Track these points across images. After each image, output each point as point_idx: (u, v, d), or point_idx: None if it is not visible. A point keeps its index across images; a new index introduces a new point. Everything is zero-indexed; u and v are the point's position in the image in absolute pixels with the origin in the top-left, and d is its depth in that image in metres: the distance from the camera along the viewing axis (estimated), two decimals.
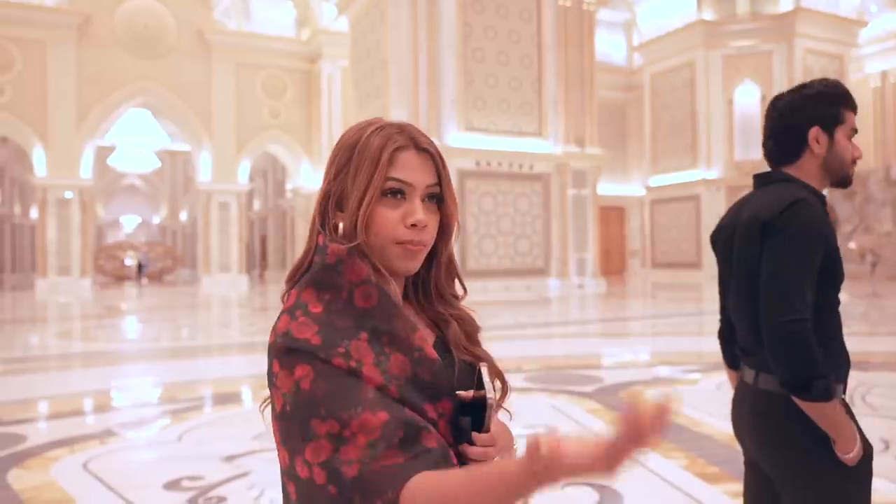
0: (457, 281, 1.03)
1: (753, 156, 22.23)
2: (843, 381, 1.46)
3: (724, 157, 22.63)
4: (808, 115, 1.48)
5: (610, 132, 26.63)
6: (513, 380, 5.84)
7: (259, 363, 7.33)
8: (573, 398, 5.17)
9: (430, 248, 0.94)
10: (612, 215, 27.03)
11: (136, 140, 32.59)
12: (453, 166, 16.87)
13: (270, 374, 0.84)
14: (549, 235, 18.28)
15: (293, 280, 0.92)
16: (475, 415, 0.87)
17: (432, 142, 0.95)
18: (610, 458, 0.66)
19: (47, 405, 5.70)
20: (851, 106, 1.51)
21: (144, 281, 34.83)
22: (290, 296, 0.88)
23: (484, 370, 0.90)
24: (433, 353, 0.87)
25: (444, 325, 0.98)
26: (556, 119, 18.34)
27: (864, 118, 25.93)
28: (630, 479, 3.31)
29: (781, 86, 21.74)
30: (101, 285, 30.17)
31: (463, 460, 0.87)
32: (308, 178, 25.66)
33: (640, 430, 0.64)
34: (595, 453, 0.66)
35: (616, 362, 7.61)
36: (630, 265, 28.41)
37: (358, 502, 0.75)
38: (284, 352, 0.82)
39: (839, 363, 1.45)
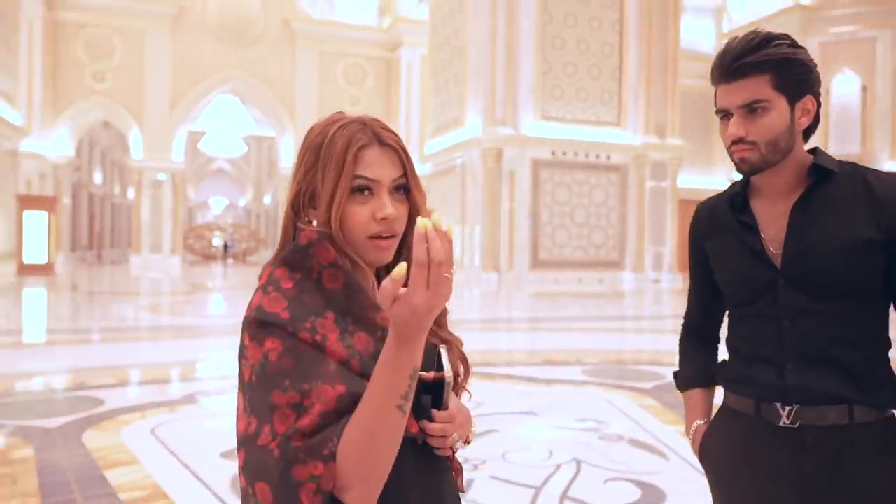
0: None
1: (850, 149, 20.94)
2: (735, 390, 1.32)
3: None
4: None
5: (694, 122, 25.67)
6: (570, 373, 5.84)
7: None
8: (630, 393, 5.08)
9: (400, 237, 0.97)
10: (694, 208, 26.08)
11: (224, 125, 34.02)
12: (528, 155, 16.77)
13: (242, 346, 0.89)
14: (624, 228, 17.89)
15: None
16: (435, 394, 0.92)
17: (396, 135, 0.98)
18: (420, 282, 0.75)
19: (129, 373, 6.10)
20: (714, 79, 1.25)
21: (229, 261, 36.41)
22: (263, 273, 0.94)
23: (444, 352, 0.93)
24: None
25: None
26: (636, 108, 17.87)
27: None
28: (675, 477, 3.24)
29: (885, 75, 20.37)
30: (189, 263, 31.75)
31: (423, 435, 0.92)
32: None
33: (428, 250, 0.74)
34: (413, 282, 0.75)
35: None
36: None
37: (302, 458, 0.80)
38: (256, 325, 0.87)
39: (726, 371, 1.37)
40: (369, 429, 0.80)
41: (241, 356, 0.89)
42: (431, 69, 20.51)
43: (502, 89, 16.70)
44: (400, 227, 0.96)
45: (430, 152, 20.16)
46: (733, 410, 1.33)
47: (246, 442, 0.85)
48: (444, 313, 1.04)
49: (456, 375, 1.02)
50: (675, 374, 1.53)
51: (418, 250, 0.74)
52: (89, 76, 22.25)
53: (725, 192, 1.37)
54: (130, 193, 31.62)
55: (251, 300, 0.91)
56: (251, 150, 40.36)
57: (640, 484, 3.15)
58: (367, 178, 0.93)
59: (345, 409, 0.82)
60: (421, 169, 24.00)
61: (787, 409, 1.23)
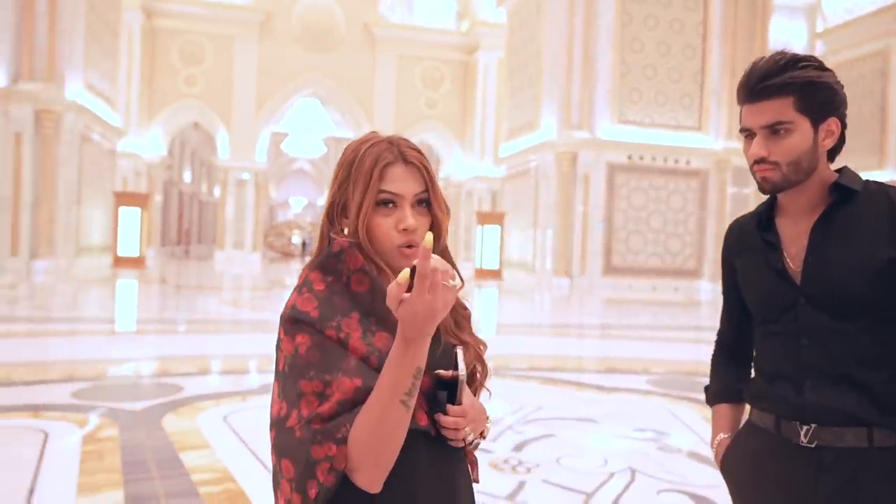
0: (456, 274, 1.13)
1: None
2: (758, 406, 1.34)
3: None
4: None
5: None
6: (635, 381, 5.77)
7: None
8: (696, 406, 4.97)
9: None
10: None
11: (305, 127, 35.10)
12: (603, 159, 16.54)
13: (278, 339, 1.01)
14: (703, 235, 17.36)
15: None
16: (450, 390, 1.00)
17: (419, 153, 1.06)
18: (422, 289, 0.83)
19: (207, 363, 6.44)
20: (740, 98, 1.27)
21: (307, 258, 37.47)
22: (301, 275, 1.05)
23: (460, 353, 1.01)
24: None
25: None
26: (718, 112, 17.32)
27: None
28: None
29: None
30: (269, 260, 32.93)
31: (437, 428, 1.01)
32: (460, 167, 26.26)
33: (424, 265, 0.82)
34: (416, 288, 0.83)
35: None
36: None
37: (319, 440, 0.91)
38: (290, 321, 0.98)
39: (751, 388, 1.38)
40: (376, 419, 0.89)
41: (277, 348, 1.00)
42: (508, 72, 20.53)
43: (578, 92, 16.54)
44: (421, 238, 1.04)
45: (505, 155, 20.17)
46: (756, 426, 1.34)
47: (277, 423, 0.96)
48: (466, 317, 1.12)
49: (474, 374, 1.10)
50: (706, 389, 1.55)
51: (421, 263, 0.83)
52: (182, 80, 23.46)
53: (755, 210, 1.39)
54: (217, 192, 33.11)
55: (288, 299, 1.01)
56: (330, 151, 41.44)
57: (694, 497, 3.10)
58: (390, 193, 1.02)
59: (360, 399, 0.92)
60: (495, 171, 24.04)
61: (806, 428, 1.23)
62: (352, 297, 1.00)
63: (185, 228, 34.81)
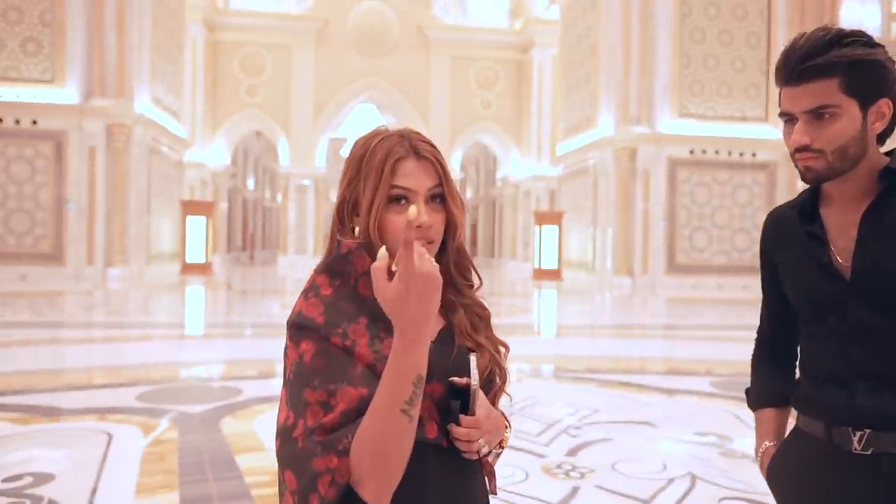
0: (474, 273, 1.10)
1: None
2: (805, 411, 1.24)
3: None
4: None
5: None
6: (698, 384, 5.57)
7: None
8: None
9: (438, 243, 1.01)
10: None
11: (363, 133, 35.65)
12: (664, 154, 16.12)
13: (285, 346, 0.98)
14: None
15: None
16: (465, 399, 0.94)
17: (432, 147, 1.02)
18: (402, 270, 0.82)
19: (267, 366, 6.57)
20: (778, 80, 1.16)
21: None
22: (309, 279, 1.02)
23: (473, 360, 0.96)
24: None
25: (452, 312, 1.04)
26: None
27: None
28: None
29: None
30: None
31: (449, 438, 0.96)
32: (517, 167, 26.09)
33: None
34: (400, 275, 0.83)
35: None
36: None
37: (320, 451, 0.87)
38: (294, 328, 0.95)
39: (797, 392, 1.28)
40: (377, 429, 0.85)
41: (284, 355, 0.97)
42: (563, 69, 20.27)
43: (636, 86, 16.17)
44: (436, 235, 1.00)
45: (562, 153, 19.91)
46: (804, 433, 1.24)
47: (283, 432, 0.93)
48: (483, 318, 1.06)
49: (492, 380, 1.04)
50: (746, 392, 1.44)
51: (407, 234, 0.82)
52: (244, 91, 24.14)
53: (795, 200, 1.28)
54: (279, 198, 33.92)
55: (295, 304, 0.98)
56: None
57: None
58: (403, 188, 0.98)
59: (365, 409, 0.88)
60: (552, 171, 23.77)
61: (859, 433, 1.13)
62: (360, 302, 0.96)
63: (250, 234, 35.79)
